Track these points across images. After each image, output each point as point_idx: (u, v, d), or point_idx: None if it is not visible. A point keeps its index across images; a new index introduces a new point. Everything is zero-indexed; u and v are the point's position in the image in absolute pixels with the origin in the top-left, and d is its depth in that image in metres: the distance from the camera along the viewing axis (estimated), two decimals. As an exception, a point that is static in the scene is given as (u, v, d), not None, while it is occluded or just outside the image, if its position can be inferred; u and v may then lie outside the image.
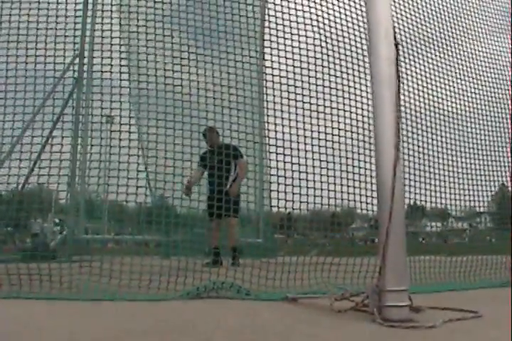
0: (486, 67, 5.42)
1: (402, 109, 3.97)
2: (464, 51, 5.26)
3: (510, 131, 5.40)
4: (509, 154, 5.31)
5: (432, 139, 4.72)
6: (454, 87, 5.05)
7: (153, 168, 4.26)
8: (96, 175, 4.06)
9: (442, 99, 4.93)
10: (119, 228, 8.82)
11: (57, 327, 2.12)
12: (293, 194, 3.80)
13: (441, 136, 4.83)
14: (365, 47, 4.19)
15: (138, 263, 3.51)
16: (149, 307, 2.71)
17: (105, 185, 4.05)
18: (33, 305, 2.76)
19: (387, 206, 2.27)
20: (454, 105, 5.03)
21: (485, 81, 5.36)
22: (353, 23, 4.39)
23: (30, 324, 2.19)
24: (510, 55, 5.63)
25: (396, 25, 4.44)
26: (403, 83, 4.42)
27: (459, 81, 5.10)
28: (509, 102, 5.47)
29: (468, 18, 5.41)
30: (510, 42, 5.66)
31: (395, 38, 2.48)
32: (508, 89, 5.50)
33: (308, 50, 4.17)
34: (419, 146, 4.52)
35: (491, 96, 5.37)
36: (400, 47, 2.51)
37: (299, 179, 3.82)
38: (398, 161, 2.34)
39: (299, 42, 4.16)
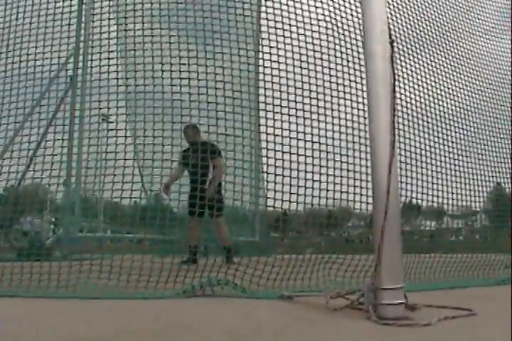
0: (483, 65, 5.41)
1: (398, 107, 3.97)
2: (461, 49, 5.25)
3: (510, 130, 5.40)
4: (507, 153, 5.32)
5: (427, 138, 4.72)
6: (450, 85, 5.05)
7: (147, 166, 4.26)
8: (91, 173, 4.05)
9: (440, 95, 4.93)
10: (115, 226, 8.81)
11: (55, 325, 2.12)
12: (290, 192, 3.79)
13: (437, 134, 4.84)
14: (360, 44, 4.18)
15: (135, 261, 3.50)
16: (146, 306, 2.71)
17: (101, 183, 4.04)
18: (30, 304, 2.76)
19: (383, 204, 2.27)
20: (450, 103, 5.03)
21: (483, 80, 5.36)
22: (347, 20, 4.38)
23: (27, 323, 2.19)
24: (510, 54, 5.62)
25: (391, 22, 4.43)
26: (399, 81, 4.42)
27: (455, 79, 5.10)
28: (509, 101, 5.46)
29: (465, 16, 5.41)
30: (510, 41, 5.65)
31: (390, 36, 2.47)
32: (508, 88, 5.49)
33: (303, 47, 4.16)
34: (412, 146, 4.51)
35: (488, 95, 5.37)
36: (396, 44, 2.50)
37: (297, 177, 3.81)
38: (393, 159, 2.34)
39: (295, 39, 4.15)
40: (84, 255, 4.58)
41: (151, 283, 3.17)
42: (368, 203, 3.96)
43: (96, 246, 8.03)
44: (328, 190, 3.91)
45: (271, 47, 4.08)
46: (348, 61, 4.24)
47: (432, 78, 4.90)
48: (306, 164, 3.86)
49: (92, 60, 4.19)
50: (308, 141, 3.93)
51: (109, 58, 4.02)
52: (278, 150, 3.83)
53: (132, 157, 3.99)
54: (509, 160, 5.31)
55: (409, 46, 4.77)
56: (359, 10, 3.06)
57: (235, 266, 3.52)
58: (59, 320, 2.26)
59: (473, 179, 4.99)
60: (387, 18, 2.56)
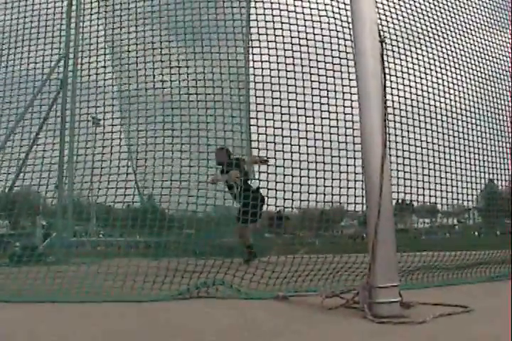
0: (477, 62, 5.39)
1: (389, 105, 3.96)
2: (454, 45, 5.23)
3: (509, 128, 5.38)
4: (501, 152, 5.30)
5: (419, 135, 4.72)
6: (441, 84, 5.04)
7: (141, 169, 4.25)
8: (82, 177, 4.03)
9: (431, 93, 4.91)
10: (108, 230, 8.77)
11: (49, 329, 2.11)
12: (283, 192, 3.79)
13: (429, 132, 4.83)
14: (350, 43, 4.18)
15: (129, 264, 3.49)
16: (141, 308, 2.69)
17: (91, 187, 4.03)
18: (23, 308, 2.74)
19: (376, 203, 2.28)
20: (441, 101, 5.02)
21: (474, 78, 5.34)
22: (341, 20, 4.37)
23: (21, 327, 2.17)
24: (510, 49, 5.59)
25: (381, 21, 4.42)
26: (390, 80, 4.41)
27: (447, 77, 5.08)
28: (505, 98, 5.44)
29: (459, 11, 5.37)
30: (510, 36, 5.62)
31: (379, 35, 2.48)
32: (505, 84, 5.48)
33: (293, 47, 4.16)
34: (405, 143, 4.51)
35: (481, 92, 5.35)
36: (385, 43, 2.50)
37: (291, 176, 3.81)
38: (385, 158, 2.34)
39: (286, 37, 4.15)
40: (77, 259, 4.55)
41: (146, 285, 3.15)
42: (360, 203, 3.96)
43: (89, 250, 7.99)
44: (318, 186, 3.90)
45: (260, 47, 4.09)
46: (340, 59, 4.23)
47: (423, 76, 4.89)
48: (298, 163, 3.86)
49: (81, 64, 4.17)
50: (300, 135, 3.92)
51: (97, 61, 4.01)
52: (270, 149, 3.83)
53: (125, 159, 3.96)
54: (502, 159, 5.29)
55: (400, 44, 4.76)
56: (348, 9, 3.06)
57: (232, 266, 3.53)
58: (53, 324, 2.25)
59: (465, 178, 4.98)
60: (377, 16, 2.56)
